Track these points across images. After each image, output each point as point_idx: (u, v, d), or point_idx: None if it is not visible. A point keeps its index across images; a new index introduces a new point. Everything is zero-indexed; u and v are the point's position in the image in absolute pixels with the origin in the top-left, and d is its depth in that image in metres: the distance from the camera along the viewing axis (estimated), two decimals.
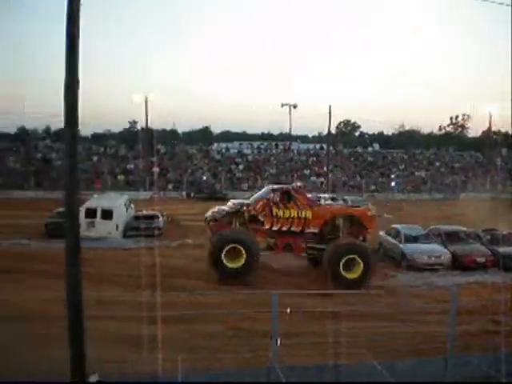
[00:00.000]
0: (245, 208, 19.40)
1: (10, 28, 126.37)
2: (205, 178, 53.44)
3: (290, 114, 68.98)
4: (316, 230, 19.08)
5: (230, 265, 17.73)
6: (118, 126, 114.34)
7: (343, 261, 17.63)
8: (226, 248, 17.74)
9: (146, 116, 57.59)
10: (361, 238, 19.41)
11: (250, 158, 60.36)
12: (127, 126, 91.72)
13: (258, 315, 12.43)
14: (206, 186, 50.91)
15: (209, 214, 20.23)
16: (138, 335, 10.44)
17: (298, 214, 18.92)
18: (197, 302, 14.49)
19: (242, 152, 62.99)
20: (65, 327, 10.91)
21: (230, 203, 20.37)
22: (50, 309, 11.77)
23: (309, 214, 18.90)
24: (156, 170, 51.85)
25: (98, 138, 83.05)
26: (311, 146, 70.68)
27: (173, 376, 8.68)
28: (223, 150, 63.96)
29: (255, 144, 71.59)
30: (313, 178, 55.30)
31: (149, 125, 59.04)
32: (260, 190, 23.23)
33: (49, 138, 74.78)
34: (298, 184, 22.30)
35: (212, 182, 52.15)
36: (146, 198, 41.10)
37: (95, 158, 55.56)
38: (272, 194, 19.43)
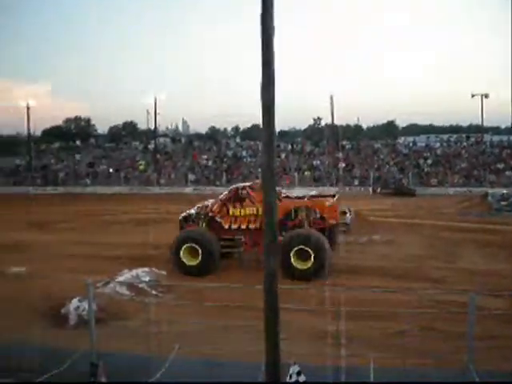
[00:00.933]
0: (205, 210, 19.89)
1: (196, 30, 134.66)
2: (391, 173, 52.41)
3: (481, 104, 65.08)
4: None
5: (188, 262, 18.39)
6: (302, 123, 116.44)
7: (294, 251, 17.43)
8: (184, 247, 18.46)
9: (332, 112, 57.95)
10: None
11: (438, 151, 57.98)
12: (311, 122, 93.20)
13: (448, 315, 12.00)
14: (392, 181, 49.98)
15: (182, 215, 20.65)
16: (327, 330, 10.56)
17: (253, 211, 18.83)
18: (381, 300, 14.28)
19: (430, 146, 60.71)
20: (256, 318, 11.38)
21: (198, 205, 20.56)
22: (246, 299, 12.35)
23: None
24: (342, 165, 51.99)
25: (284, 135, 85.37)
26: (505, 137, 66.00)
27: (365, 373, 8.67)
28: (410, 144, 62.24)
29: (444, 137, 68.74)
30: (508, 173, 51.61)
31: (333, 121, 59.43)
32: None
33: (238, 137, 78.31)
34: (257, 181, 21.40)
35: (399, 177, 51.01)
36: None
37: (283, 155, 57.07)
38: (228, 194, 19.75)
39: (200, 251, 18.33)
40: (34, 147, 62.90)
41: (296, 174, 51.66)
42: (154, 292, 15.24)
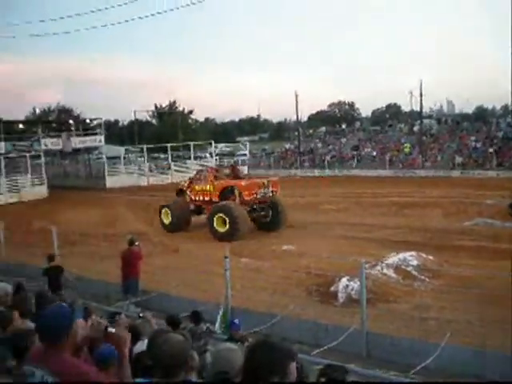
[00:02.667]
0: (183, 184, 27.11)
1: None
2: None
3: None
4: (217, 199, 24.21)
5: (165, 221, 25.82)
6: None
7: (215, 217, 22.89)
8: (162, 210, 26.00)
9: None
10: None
11: None
12: None
13: None
14: None
15: (178, 187, 27.87)
16: None
17: (206, 187, 24.99)
18: None
19: None
20: None
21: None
22: None
23: (211, 188, 24.73)
24: None
25: None
26: None
27: None
28: None
29: None
30: None
31: None
32: None
33: (509, 116, 72.59)
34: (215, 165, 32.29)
35: None
36: None
37: None
38: (195, 174, 27.36)
39: (170, 214, 25.48)
40: (301, 132, 66.04)
41: None
42: (421, 277, 14.99)
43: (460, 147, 52.58)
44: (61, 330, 3.58)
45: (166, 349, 3.34)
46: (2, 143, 46.48)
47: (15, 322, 5.96)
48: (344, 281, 13.74)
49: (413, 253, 16.93)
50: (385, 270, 15.29)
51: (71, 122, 59.49)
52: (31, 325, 6.00)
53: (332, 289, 13.85)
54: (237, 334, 8.34)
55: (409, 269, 15.63)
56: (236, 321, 8.67)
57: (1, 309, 6.21)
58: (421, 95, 55.44)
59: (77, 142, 51.87)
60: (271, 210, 24.37)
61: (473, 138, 53.80)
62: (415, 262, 16.11)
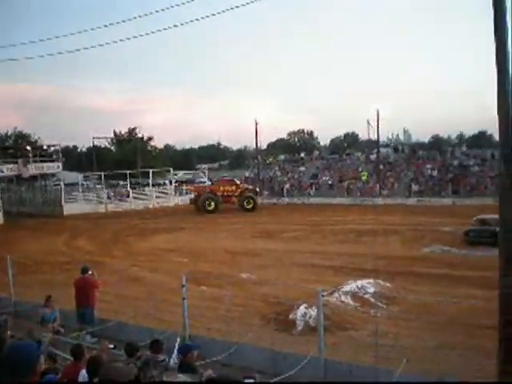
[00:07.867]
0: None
1: None
2: None
3: None
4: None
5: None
6: None
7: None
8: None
9: None
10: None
11: None
12: None
13: None
14: None
15: None
16: None
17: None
18: None
19: None
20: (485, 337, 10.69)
21: None
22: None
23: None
24: None
25: None
26: None
27: None
28: None
29: None
30: None
31: None
32: None
33: (464, 145, 74.31)
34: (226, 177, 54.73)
35: None
36: None
37: None
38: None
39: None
40: (260, 160, 66.30)
41: None
42: (378, 303, 15.09)
43: (416, 175, 53.57)
44: (27, 367, 3.45)
45: (108, 378, 3.30)
46: None
47: None
48: (302, 309, 13.70)
49: (370, 280, 17.05)
50: (342, 298, 15.34)
51: (28, 148, 58.55)
52: None
53: (290, 317, 13.79)
54: (191, 359, 8.02)
55: (366, 296, 15.71)
56: (189, 342, 8.38)
57: None
58: (378, 124, 56.27)
59: (34, 168, 51.09)
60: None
61: (429, 166, 54.84)
62: (372, 289, 16.19)
